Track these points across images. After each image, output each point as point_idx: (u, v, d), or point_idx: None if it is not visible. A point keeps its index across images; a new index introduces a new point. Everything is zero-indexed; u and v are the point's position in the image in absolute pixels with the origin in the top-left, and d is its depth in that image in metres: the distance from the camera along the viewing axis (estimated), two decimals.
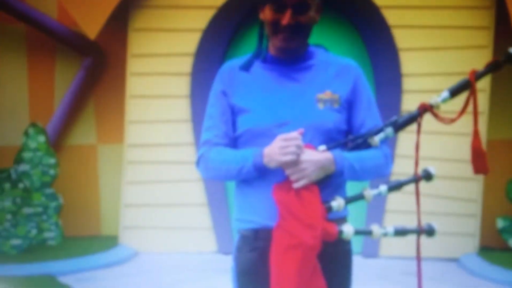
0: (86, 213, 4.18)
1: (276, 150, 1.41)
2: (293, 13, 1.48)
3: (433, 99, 1.44)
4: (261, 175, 1.46)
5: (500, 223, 3.89)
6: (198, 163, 1.58)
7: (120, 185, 3.95)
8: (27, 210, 3.72)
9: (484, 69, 1.43)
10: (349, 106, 1.56)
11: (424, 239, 1.47)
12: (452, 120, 1.44)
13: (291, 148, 1.40)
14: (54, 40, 4.10)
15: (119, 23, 3.92)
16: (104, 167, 4.21)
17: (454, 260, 3.87)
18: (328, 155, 1.46)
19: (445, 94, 1.44)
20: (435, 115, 1.43)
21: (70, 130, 4.19)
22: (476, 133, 1.44)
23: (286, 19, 1.48)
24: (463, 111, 1.41)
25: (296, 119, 1.50)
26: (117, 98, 4.03)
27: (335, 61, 1.59)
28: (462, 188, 3.81)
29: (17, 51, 4.17)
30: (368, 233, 1.45)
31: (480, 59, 3.73)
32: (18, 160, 3.73)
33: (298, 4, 1.51)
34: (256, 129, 1.51)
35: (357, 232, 1.43)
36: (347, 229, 1.42)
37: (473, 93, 1.42)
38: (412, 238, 1.49)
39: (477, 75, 1.43)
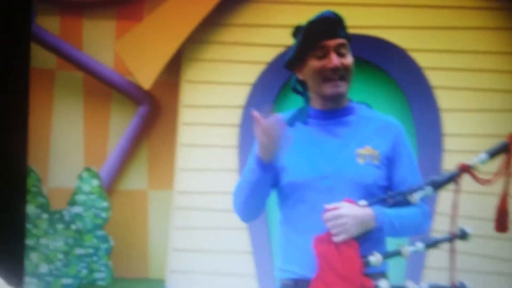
0: (135, 256, 4.20)
1: (260, 144, 1.46)
2: (336, 56, 1.54)
3: (472, 160, 1.48)
4: (268, 172, 1.49)
5: None
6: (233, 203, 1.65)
7: (168, 230, 3.98)
8: (78, 251, 3.77)
9: None
10: (389, 163, 1.57)
11: None
12: (488, 181, 1.47)
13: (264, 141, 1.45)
14: (110, 88, 4.23)
15: (172, 74, 4.03)
16: (153, 212, 4.27)
17: None
18: (369, 211, 1.48)
19: (484, 156, 1.48)
20: (473, 176, 1.47)
21: (122, 175, 4.27)
22: (505, 194, 1.50)
23: (333, 61, 1.53)
24: (499, 172, 1.46)
25: (336, 173, 1.53)
26: (169, 146, 4.10)
27: (376, 117, 1.62)
28: (497, 247, 3.75)
29: (75, 97, 4.29)
30: None
31: None
32: (72, 202, 3.81)
33: (338, 46, 1.56)
34: (296, 182, 1.54)
35: None
36: (384, 285, 1.45)
37: (510, 155, 1.47)
38: None
39: None
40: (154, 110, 4.28)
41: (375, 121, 1.61)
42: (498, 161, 1.49)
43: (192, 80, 3.99)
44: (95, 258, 3.77)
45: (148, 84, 3.86)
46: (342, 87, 1.56)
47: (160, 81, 3.99)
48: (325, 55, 1.55)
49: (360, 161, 1.54)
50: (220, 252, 3.95)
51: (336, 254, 1.44)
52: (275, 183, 1.60)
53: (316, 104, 1.62)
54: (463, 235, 1.51)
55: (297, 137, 1.57)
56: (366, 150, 1.55)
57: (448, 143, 3.85)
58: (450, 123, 3.86)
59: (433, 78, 3.85)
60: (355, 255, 1.44)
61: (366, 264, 1.47)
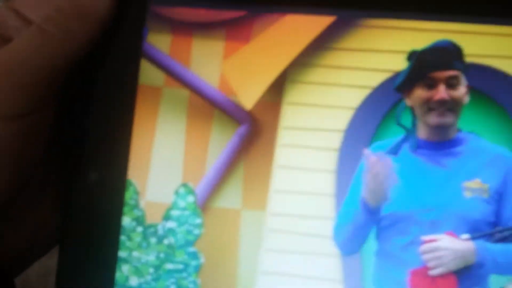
0: (224, 275, 4.18)
1: (368, 183, 1.39)
2: (445, 89, 1.48)
3: None
4: (374, 216, 1.41)
5: None
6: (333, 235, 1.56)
7: (259, 252, 3.95)
8: (169, 266, 3.86)
9: None
10: (499, 197, 1.49)
11: None
12: None
13: (377, 172, 1.41)
14: (213, 107, 4.34)
15: (275, 96, 4.06)
16: (245, 232, 4.25)
17: None
18: (470, 245, 1.31)
19: None
20: None
21: (217, 193, 4.32)
22: None
23: (440, 94, 1.43)
24: None
25: (441, 206, 1.45)
26: (265, 167, 4.10)
27: (487, 149, 1.49)
28: None
29: (179, 114, 4.44)
30: None
31: None
32: (167, 217, 3.92)
33: (449, 78, 1.50)
34: (398, 213, 1.46)
35: None
36: None
37: None
38: None
39: None
40: (253, 131, 4.33)
41: (486, 153, 1.50)
42: None
43: (294, 102, 3.94)
44: (184, 275, 3.76)
45: (250, 104, 3.81)
46: (448, 117, 1.41)
47: (262, 102, 3.99)
48: (433, 86, 1.50)
49: (468, 194, 1.42)
50: (309, 278, 3.83)
51: None
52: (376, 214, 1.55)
53: (422, 133, 1.56)
54: None
55: (401, 165, 1.46)
56: (474, 183, 1.44)
57: None
58: None
59: None
60: None
61: None
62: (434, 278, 1.46)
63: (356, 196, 1.58)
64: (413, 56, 1.64)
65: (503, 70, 3.48)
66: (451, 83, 1.55)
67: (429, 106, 1.59)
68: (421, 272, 1.47)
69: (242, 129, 4.68)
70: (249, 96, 4.43)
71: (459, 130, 1.63)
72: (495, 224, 1.59)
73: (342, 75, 4.23)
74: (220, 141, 4.78)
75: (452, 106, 1.56)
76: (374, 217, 1.52)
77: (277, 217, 4.18)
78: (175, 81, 4.46)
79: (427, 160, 1.60)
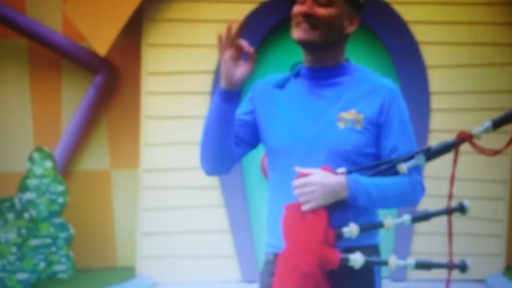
0: (100, 244, 3.96)
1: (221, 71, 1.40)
2: (312, 4, 1.45)
3: (473, 128, 1.36)
4: (231, 102, 1.42)
5: None
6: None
7: (136, 213, 3.74)
8: (34, 242, 3.53)
9: None
10: (376, 128, 1.47)
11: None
12: (497, 152, 1.38)
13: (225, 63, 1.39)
14: (60, 56, 3.85)
15: (132, 37, 3.68)
16: (118, 193, 3.98)
17: (481, 281, 3.90)
18: (341, 178, 1.39)
19: (488, 124, 1.36)
20: (475, 147, 1.37)
21: (80, 154, 3.95)
22: None
23: (303, 6, 1.44)
24: (510, 142, 1.34)
25: (313, 138, 1.46)
26: (132, 119, 3.79)
27: (370, 80, 1.51)
28: (487, 208, 3.73)
29: (19, 69, 3.93)
30: (384, 263, 1.38)
31: (505, 76, 3.67)
32: (23, 188, 3.53)
33: None
34: (276, 147, 1.47)
35: (369, 262, 1.37)
36: (355, 257, 1.35)
37: None
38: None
39: None
40: (112, 79, 3.94)
41: (367, 84, 1.49)
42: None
43: (156, 44, 3.62)
44: (53, 249, 3.53)
45: (104, 49, 3.48)
46: (309, 34, 1.44)
47: (118, 45, 3.63)
48: (304, 1, 1.46)
49: (340, 125, 1.45)
50: (195, 233, 3.70)
51: (300, 224, 1.36)
52: (253, 140, 1.51)
53: (305, 60, 1.50)
54: (461, 209, 1.39)
55: (283, 100, 1.50)
56: (349, 114, 1.46)
57: (435, 102, 3.67)
58: (436, 80, 3.67)
59: (418, 32, 3.62)
60: (321, 225, 1.35)
61: (339, 235, 1.37)
62: (304, 213, 1.37)
63: None
64: None
65: (387, 1, 3.24)
66: (320, 2, 1.46)
67: (296, 20, 1.47)
68: (295, 207, 1.38)
69: (98, 79, 3.92)
70: (102, 40, 3.71)
71: (346, 61, 1.55)
72: (374, 155, 1.49)
73: (207, 8, 3.64)
74: (73, 95, 3.99)
75: (316, 23, 1.46)
76: (230, 105, 1.44)
77: (152, 173, 3.63)
78: (9, 30, 3.58)
79: (308, 92, 1.51)
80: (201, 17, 3.59)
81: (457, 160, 1.38)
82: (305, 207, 1.36)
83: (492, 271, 3.79)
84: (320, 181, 1.38)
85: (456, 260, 1.41)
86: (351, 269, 1.37)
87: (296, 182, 1.37)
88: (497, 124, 1.35)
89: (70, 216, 3.72)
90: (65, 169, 3.85)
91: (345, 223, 1.39)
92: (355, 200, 1.40)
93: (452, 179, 1.41)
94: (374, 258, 1.41)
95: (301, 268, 1.33)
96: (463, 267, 1.41)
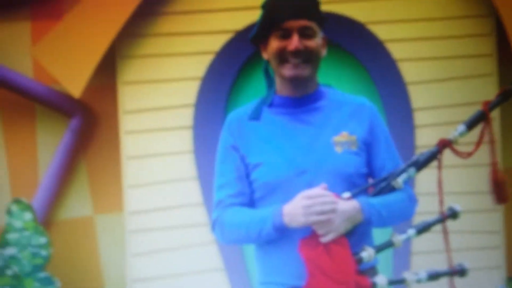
0: None
1: (300, 210, 1.32)
2: (299, 38, 1.43)
3: (451, 134, 1.43)
4: (283, 235, 1.37)
5: None
6: (213, 227, 1.48)
7: (125, 258, 3.60)
8: None
9: (495, 99, 1.45)
10: (367, 148, 1.48)
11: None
12: (470, 154, 1.42)
13: (316, 207, 1.30)
14: (33, 102, 3.72)
15: (107, 76, 3.58)
16: (104, 239, 3.83)
17: None
18: (355, 204, 1.38)
19: (462, 128, 1.44)
20: (454, 151, 1.42)
21: (60, 202, 3.80)
22: (494, 163, 1.45)
23: (294, 43, 1.41)
24: (479, 142, 1.40)
25: (314, 166, 1.42)
26: (112, 161, 3.68)
27: (348, 100, 1.52)
28: (483, 221, 3.69)
29: None
30: (402, 281, 1.41)
31: (486, 87, 3.66)
32: (3, 243, 3.39)
33: (303, 28, 1.44)
34: (272, 181, 1.41)
35: (391, 282, 1.40)
36: (381, 280, 1.36)
37: (488, 123, 1.43)
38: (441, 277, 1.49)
39: (490, 106, 1.45)
40: (89, 121, 3.83)
41: (348, 105, 1.52)
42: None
43: (131, 81, 3.52)
44: None
45: (78, 91, 3.36)
46: (303, 69, 1.45)
47: (92, 86, 3.54)
48: (287, 36, 1.45)
49: (338, 149, 1.45)
50: (189, 274, 3.57)
51: (326, 256, 1.34)
52: (248, 186, 1.48)
53: (282, 90, 1.50)
54: (453, 214, 1.46)
55: (266, 131, 1.46)
56: (342, 136, 1.46)
57: (419, 118, 3.64)
58: (417, 96, 3.65)
59: (395, 50, 3.60)
60: (347, 253, 1.35)
61: (359, 261, 1.38)
62: (326, 244, 1.33)
63: (234, 173, 1.47)
64: (265, 4, 1.46)
65: (350, 16, 3.18)
66: (306, 33, 1.46)
67: (283, 57, 1.46)
68: (312, 241, 1.33)
69: (74, 122, 3.76)
70: (75, 82, 3.55)
71: (318, 84, 1.55)
72: (367, 175, 1.51)
73: (180, 42, 3.52)
74: (49, 141, 3.81)
75: (307, 57, 1.46)
76: (281, 234, 1.40)
77: (138, 215, 3.42)
78: None
79: (292, 120, 1.48)
80: (176, 51, 3.51)
81: (441, 166, 1.42)
82: (327, 238, 1.32)
83: (493, 284, 3.71)
84: (337, 209, 1.34)
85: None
86: None
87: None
88: (470, 125, 1.45)
89: (56, 269, 3.57)
90: (46, 220, 3.70)
91: (353, 247, 1.36)
92: (369, 223, 1.39)
93: (440, 184, 1.43)
94: (394, 279, 1.40)
95: None
96: (462, 272, 1.45)
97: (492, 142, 1.40)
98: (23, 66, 3.76)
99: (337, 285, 1.29)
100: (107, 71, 3.54)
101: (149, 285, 3.60)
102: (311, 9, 1.46)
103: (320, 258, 1.31)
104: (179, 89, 3.55)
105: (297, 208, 1.31)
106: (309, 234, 1.34)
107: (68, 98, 3.61)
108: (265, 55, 1.51)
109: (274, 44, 1.43)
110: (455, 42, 3.71)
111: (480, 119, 1.43)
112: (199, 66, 3.54)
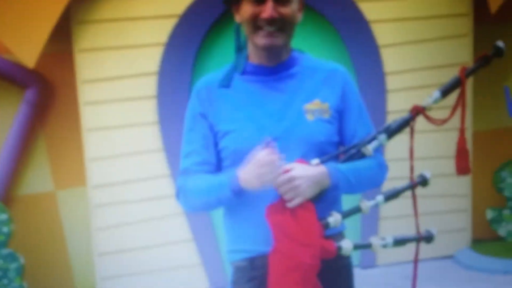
0: (55, 269, 3.74)
1: (253, 176, 1.31)
2: (274, 5, 1.37)
3: (424, 100, 1.41)
4: (243, 198, 1.36)
5: (489, 214, 4.03)
6: (178, 195, 1.48)
7: (90, 233, 3.55)
8: None
9: (473, 65, 1.40)
10: (339, 115, 1.46)
11: None
12: (444, 121, 1.41)
13: (267, 175, 1.30)
14: None
15: (63, 44, 3.41)
16: (67, 215, 3.73)
17: (450, 257, 3.97)
18: (322, 169, 1.37)
19: (437, 94, 1.40)
20: (428, 118, 1.40)
21: (20, 178, 3.68)
22: (462, 133, 1.43)
23: (268, 11, 1.36)
24: (454, 109, 1.38)
25: (285, 134, 1.40)
26: (72, 133, 3.54)
27: (321, 67, 1.48)
28: (451, 184, 3.74)
29: None
30: (368, 246, 1.41)
31: (461, 48, 3.63)
32: None
33: None
34: (243, 149, 1.38)
35: (356, 247, 1.40)
36: (346, 244, 1.37)
37: (463, 91, 1.40)
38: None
39: (467, 72, 1.40)
40: (45, 92, 3.67)
41: (321, 71, 1.46)
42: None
43: (89, 48, 3.35)
44: (5, 282, 3.37)
45: (33, 60, 3.20)
46: (277, 38, 1.38)
47: (47, 55, 3.38)
48: (261, 1, 1.37)
49: (310, 117, 1.41)
50: (157, 246, 3.55)
51: (292, 221, 1.33)
52: (217, 153, 1.45)
53: (255, 58, 1.44)
54: (423, 181, 1.44)
55: (236, 98, 1.42)
56: (314, 104, 1.42)
57: (391, 82, 3.59)
58: (390, 60, 3.58)
59: (368, 11, 3.51)
60: (313, 218, 1.33)
61: (326, 226, 1.37)
62: (293, 209, 1.32)
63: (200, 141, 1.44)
64: None
65: None
66: (281, 1, 1.36)
67: (257, 24, 1.38)
68: (278, 206, 1.33)
69: (30, 93, 3.61)
70: (29, 50, 3.40)
71: (292, 50, 1.49)
72: (339, 143, 1.47)
73: (141, 5, 3.23)
74: (5, 114, 3.68)
75: (282, 26, 1.39)
76: (238, 197, 1.37)
77: (101, 188, 3.25)
78: None
79: (263, 87, 1.43)
80: (137, 15, 3.34)
81: (413, 134, 1.40)
82: (294, 203, 1.32)
83: (460, 246, 3.91)
84: (304, 174, 1.33)
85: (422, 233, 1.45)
86: (330, 259, 1.35)
87: (280, 179, 1.32)
88: (445, 92, 1.39)
89: (19, 245, 3.53)
90: (6, 196, 3.59)
91: (322, 213, 1.36)
92: (336, 188, 1.37)
93: (411, 151, 1.41)
94: (359, 243, 1.39)
95: (305, 262, 1.30)
96: (429, 238, 1.44)
97: (463, 110, 1.36)
98: None
99: (302, 247, 1.29)
100: (62, 38, 3.38)
101: (116, 258, 3.55)
102: None
103: (285, 222, 1.31)
104: (141, 56, 3.41)
105: (251, 174, 1.29)
106: (276, 200, 1.32)
107: (21, 68, 3.44)
108: (238, 18, 1.43)
109: (248, 9, 1.36)
110: (431, 1, 3.64)
111: (456, 86, 1.38)
112: (162, 31, 3.39)
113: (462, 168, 1.42)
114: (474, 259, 3.80)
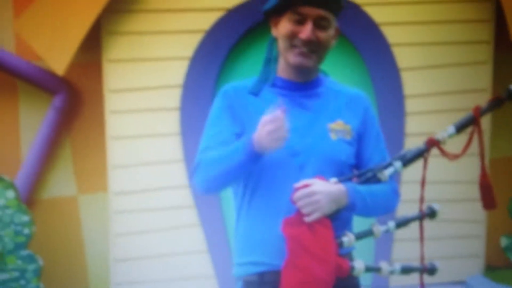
0: (72, 273, 3.79)
1: (263, 136, 1.33)
2: (313, 28, 1.43)
3: (439, 134, 1.47)
4: (259, 164, 1.38)
5: (504, 242, 3.98)
6: (194, 174, 1.47)
7: (108, 238, 3.60)
8: (1, 276, 3.36)
9: (487, 105, 1.47)
10: (359, 138, 1.51)
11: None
12: (457, 157, 1.45)
13: (277, 132, 1.32)
14: (15, 78, 3.64)
15: (92, 53, 3.51)
16: (87, 219, 3.80)
17: (461, 283, 3.94)
18: (341, 187, 1.40)
19: (451, 129, 1.47)
20: (442, 151, 1.46)
21: (44, 181, 3.75)
22: (483, 170, 1.48)
23: (306, 32, 1.41)
24: (466, 147, 1.43)
25: (308, 150, 1.44)
26: (97, 141, 3.62)
27: (344, 91, 1.54)
28: (465, 210, 3.72)
29: None
30: (377, 270, 1.46)
31: (480, 75, 3.64)
32: None
33: (319, 18, 1.44)
34: (264, 159, 1.39)
35: (367, 269, 1.44)
36: (359, 265, 1.41)
37: (478, 129, 1.46)
38: None
39: (481, 111, 1.47)
40: (73, 100, 3.75)
41: (344, 95, 1.53)
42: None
43: (117, 59, 3.43)
44: (22, 282, 3.37)
45: (62, 68, 3.28)
46: (309, 59, 1.45)
47: (77, 63, 3.47)
48: (302, 22, 1.44)
49: (333, 136, 1.46)
50: (172, 255, 3.57)
51: (310, 234, 1.34)
52: None
53: (285, 73, 1.50)
54: (432, 213, 1.51)
55: (265, 107, 1.42)
56: (337, 124, 1.47)
57: (410, 105, 3.60)
58: (410, 83, 3.59)
59: (390, 34, 3.53)
60: (330, 235, 1.36)
61: (340, 244, 1.41)
62: (311, 224, 1.34)
63: (225, 134, 1.47)
64: None
65: (357, 3, 3.05)
66: (321, 24, 1.45)
67: (293, 42, 1.46)
68: (295, 220, 1.34)
69: (57, 100, 3.66)
70: (59, 58, 3.44)
71: (319, 71, 1.56)
72: (355, 166, 1.52)
73: (169, 19, 3.35)
74: (32, 119, 3.74)
75: (316, 48, 1.46)
76: (254, 164, 1.39)
77: (122, 195, 3.31)
78: None
79: (290, 102, 1.46)
80: (165, 28, 3.42)
81: (427, 165, 1.46)
82: (312, 217, 1.34)
83: (472, 272, 3.86)
84: (324, 190, 1.36)
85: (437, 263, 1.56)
86: (339, 278, 1.36)
87: (300, 193, 1.35)
88: (459, 128, 1.46)
89: (38, 247, 3.57)
90: (29, 198, 3.67)
91: (335, 232, 1.37)
92: (353, 208, 1.40)
93: (423, 183, 1.45)
94: (370, 265, 1.42)
95: (320, 278, 1.31)
96: (432, 270, 1.53)
97: (481, 148, 1.41)
98: (5, 41, 3.66)
99: (318, 263, 1.30)
100: (92, 48, 3.48)
101: (132, 265, 3.60)
102: (333, 1, 1.45)
103: (303, 235, 1.32)
104: (167, 68, 3.49)
105: (262, 135, 1.31)
106: (294, 214, 1.34)
107: (51, 75, 3.53)
108: (274, 31, 1.49)
109: (287, 25, 1.42)
110: (452, 27, 3.67)
111: (470, 123, 1.44)
112: (188, 45, 3.47)
113: (487, 203, 1.48)
114: (486, 286, 3.76)
